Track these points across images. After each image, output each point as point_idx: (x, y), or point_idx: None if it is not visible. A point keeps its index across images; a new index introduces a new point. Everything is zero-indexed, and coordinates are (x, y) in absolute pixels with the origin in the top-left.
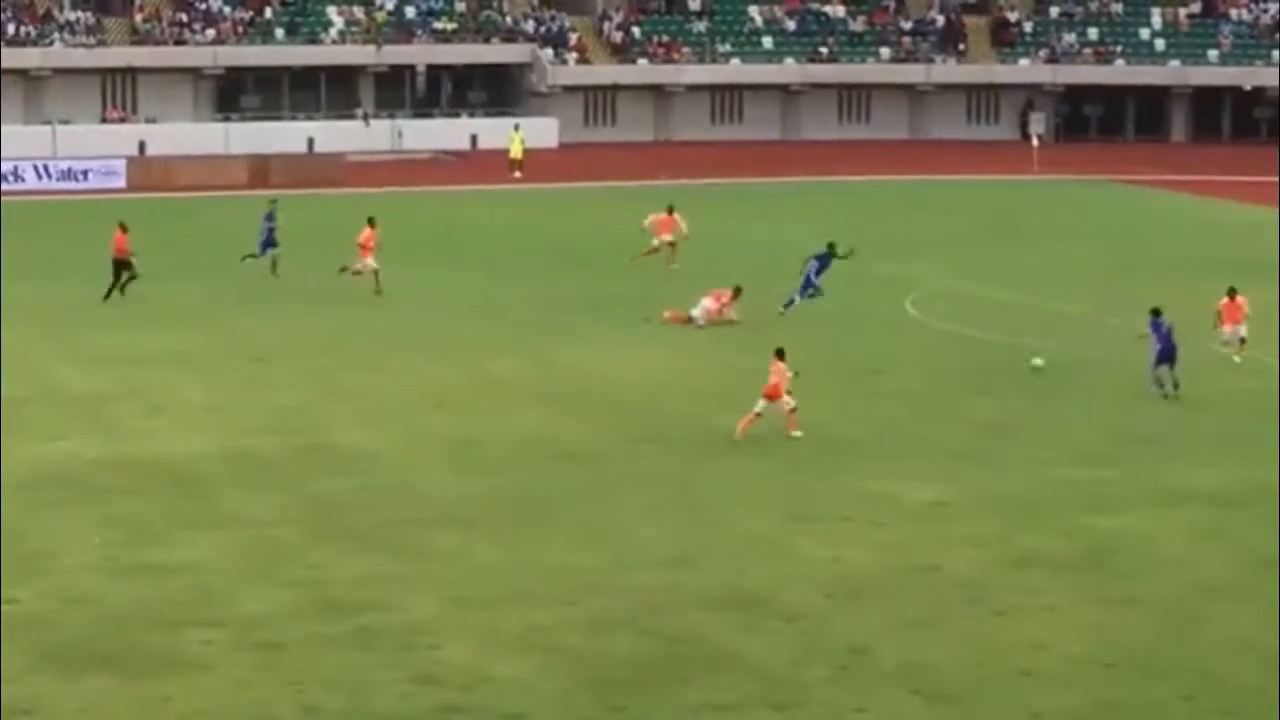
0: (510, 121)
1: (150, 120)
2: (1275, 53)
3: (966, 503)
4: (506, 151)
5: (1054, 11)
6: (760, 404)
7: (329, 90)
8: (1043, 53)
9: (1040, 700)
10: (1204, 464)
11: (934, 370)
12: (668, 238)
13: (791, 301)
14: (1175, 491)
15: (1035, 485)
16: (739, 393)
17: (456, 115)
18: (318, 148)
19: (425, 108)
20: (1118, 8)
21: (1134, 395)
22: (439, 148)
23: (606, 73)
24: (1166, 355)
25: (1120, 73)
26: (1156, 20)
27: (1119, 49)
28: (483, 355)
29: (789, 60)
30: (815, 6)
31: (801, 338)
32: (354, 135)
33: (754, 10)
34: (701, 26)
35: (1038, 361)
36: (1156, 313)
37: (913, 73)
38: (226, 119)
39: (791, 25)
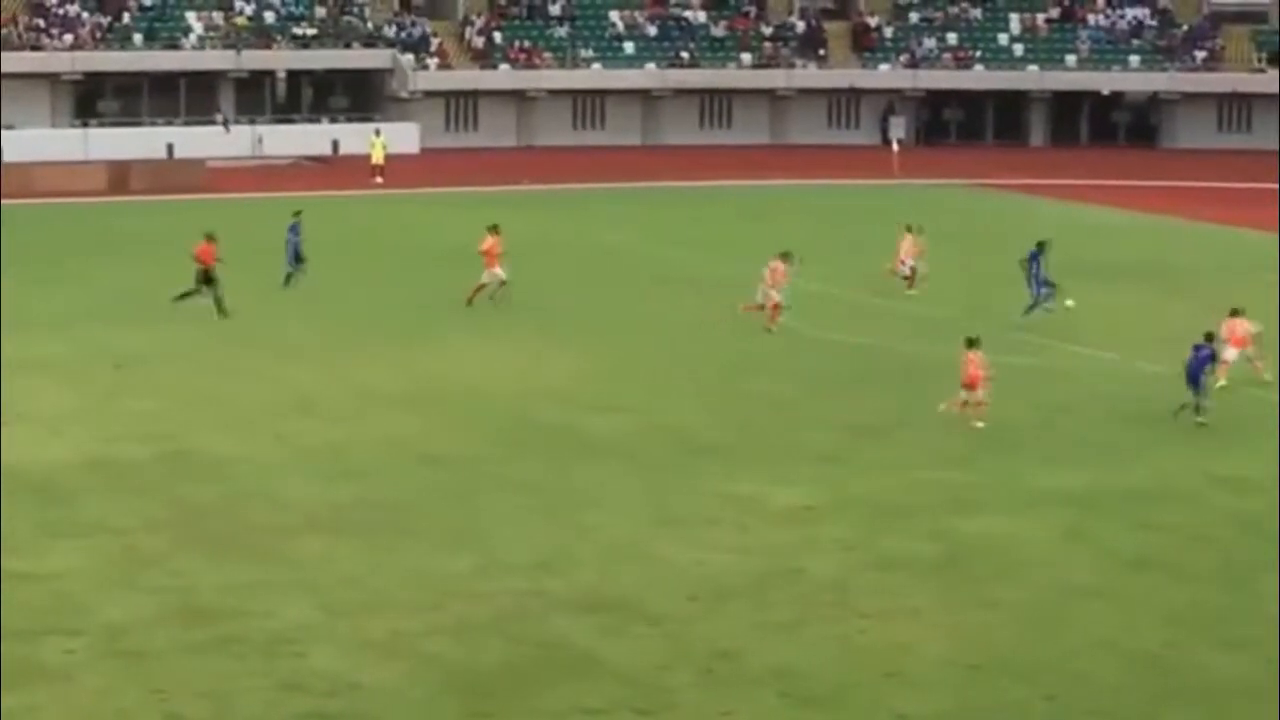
0: (371, 127)
1: (8, 127)
2: (1132, 57)
3: (832, 505)
4: (368, 157)
5: (914, 17)
6: (963, 394)
7: (189, 96)
8: (903, 58)
9: (905, 702)
10: (1067, 466)
11: (799, 374)
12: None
13: (1034, 305)
14: (1038, 493)
15: (900, 488)
16: (604, 396)
17: (317, 121)
18: (177, 154)
19: (286, 113)
20: (977, 13)
21: (998, 398)
22: (300, 153)
23: (468, 78)
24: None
25: (979, 78)
26: (1015, 26)
27: (978, 54)
28: (346, 360)
29: (650, 65)
30: (676, 12)
31: (665, 341)
32: (214, 141)
33: (615, 16)
34: (563, 32)
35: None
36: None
37: (774, 78)
38: (85, 125)
39: (653, 31)
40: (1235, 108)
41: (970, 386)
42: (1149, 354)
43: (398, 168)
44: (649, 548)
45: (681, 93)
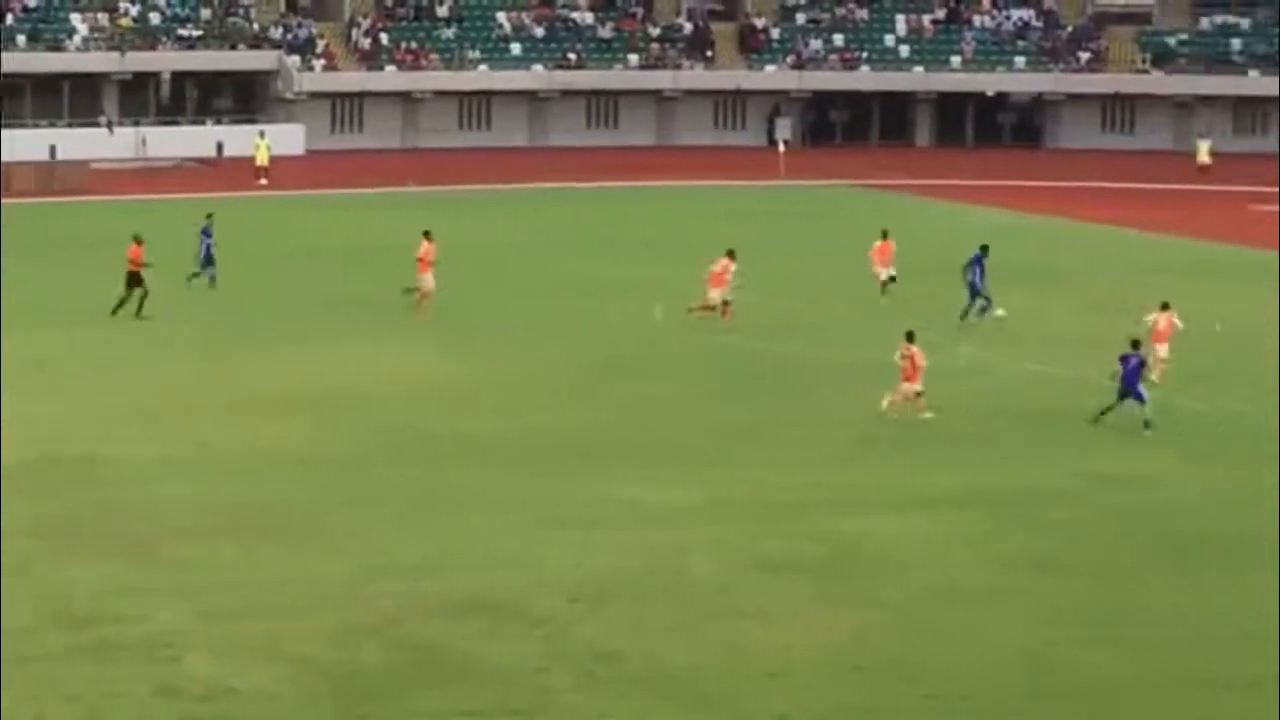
0: (256, 129)
1: None
2: (1017, 59)
3: (714, 506)
4: (252, 159)
5: (800, 19)
6: (904, 387)
7: (72, 98)
8: (789, 59)
9: (787, 703)
10: (949, 467)
11: (682, 375)
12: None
13: (984, 309)
14: (920, 494)
15: (783, 489)
16: (488, 398)
17: (202, 123)
18: (60, 155)
19: (170, 115)
20: (863, 14)
21: (881, 398)
22: (184, 155)
23: (354, 79)
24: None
25: (865, 79)
26: (901, 27)
27: (864, 55)
28: (228, 362)
29: (537, 67)
30: (563, 13)
31: (550, 343)
32: (98, 143)
33: (502, 17)
34: (450, 33)
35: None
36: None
37: (660, 79)
38: None
39: (540, 32)
40: (1119, 108)
41: (910, 379)
42: (1033, 354)
43: (282, 169)
44: (531, 550)
45: (568, 94)
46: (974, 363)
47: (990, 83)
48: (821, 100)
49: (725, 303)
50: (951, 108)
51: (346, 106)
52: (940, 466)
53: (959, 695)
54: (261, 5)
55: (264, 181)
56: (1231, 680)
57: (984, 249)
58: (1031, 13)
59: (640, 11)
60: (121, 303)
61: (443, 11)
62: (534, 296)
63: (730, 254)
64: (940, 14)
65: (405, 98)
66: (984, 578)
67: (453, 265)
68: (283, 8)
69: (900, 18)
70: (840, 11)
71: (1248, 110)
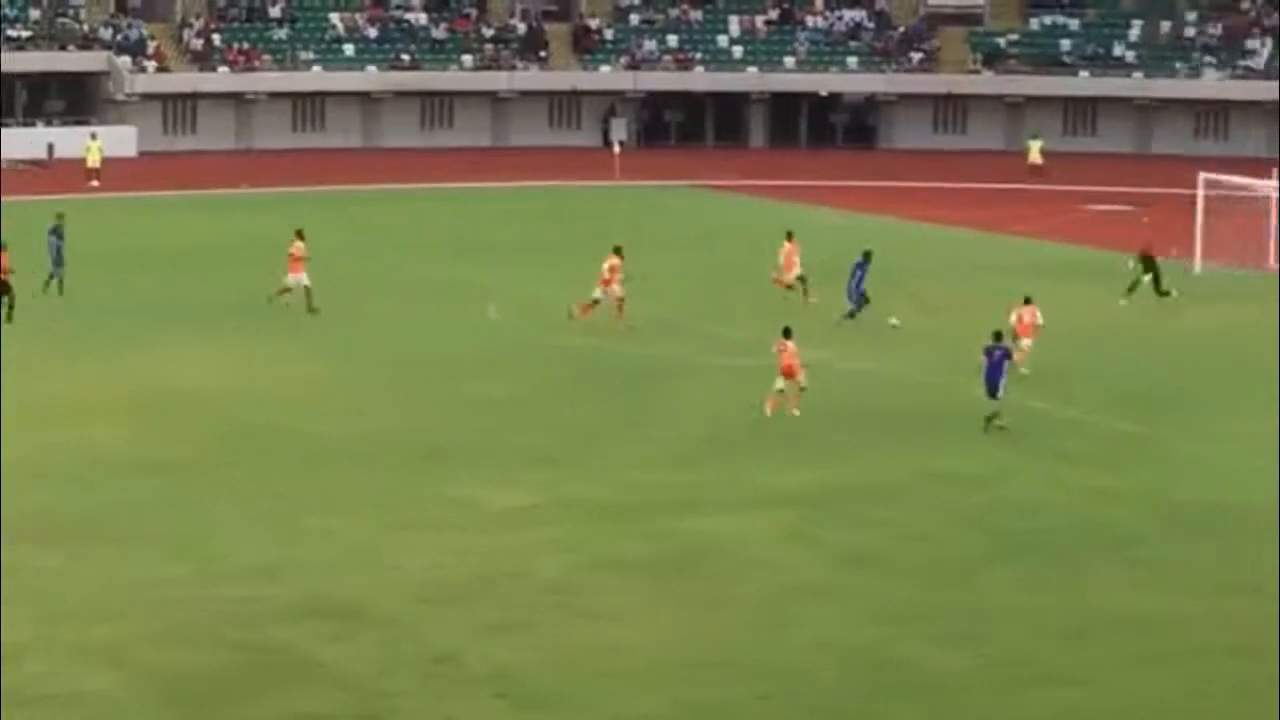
0: (87, 130)
1: None
2: (850, 59)
3: (555, 507)
4: (84, 160)
5: (634, 19)
6: (780, 383)
7: None
8: (623, 60)
9: (624, 702)
10: (790, 466)
11: (521, 376)
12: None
13: (852, 314)
14: (762, 494)
15: (624, 489)
16: (329, 400)
17: (32, 124)
18: None
19: None
20: (697, 15)
21: (723, 399)
22: (14, 157)
23: (186, 81)
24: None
25: (700, 79)
26: (734, 28)
27: (698, 56)
28: (64, 367)
29: (371, 68)
30: (397, 14)
31: (389, 345)
32: None
33: (335, 18)
34: (282, 34)
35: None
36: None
37: (495, 80)
38: None
39: (373, 33)
40: (951, 109)
41: (788, 375)
42: (865, 353)
43: (114, 171)
44: (372, 552)
45: (402, 95)
46: (809, 362)
47: (823, 83)
48: (656, 101)
49: (598, 303)
50: (785, 108)
51: (179, 108)
52: (781, 466)
53: (795, 694)
54: (91, 6)
55: (96, 183)
56: (1064, 675)
57: (867, 255)
58: (864, 13)
59: (474, 12)
60: (9, 310)
61: (275, 12)
62: (373, 298)
63: (617, 251)
64: (773, 15)
65: (238, 99)
66: (822, 576)
67: (285, 267)
68: (112, 9)
69: (734, 19)
70: (674, 12)
71: (1078, 110)
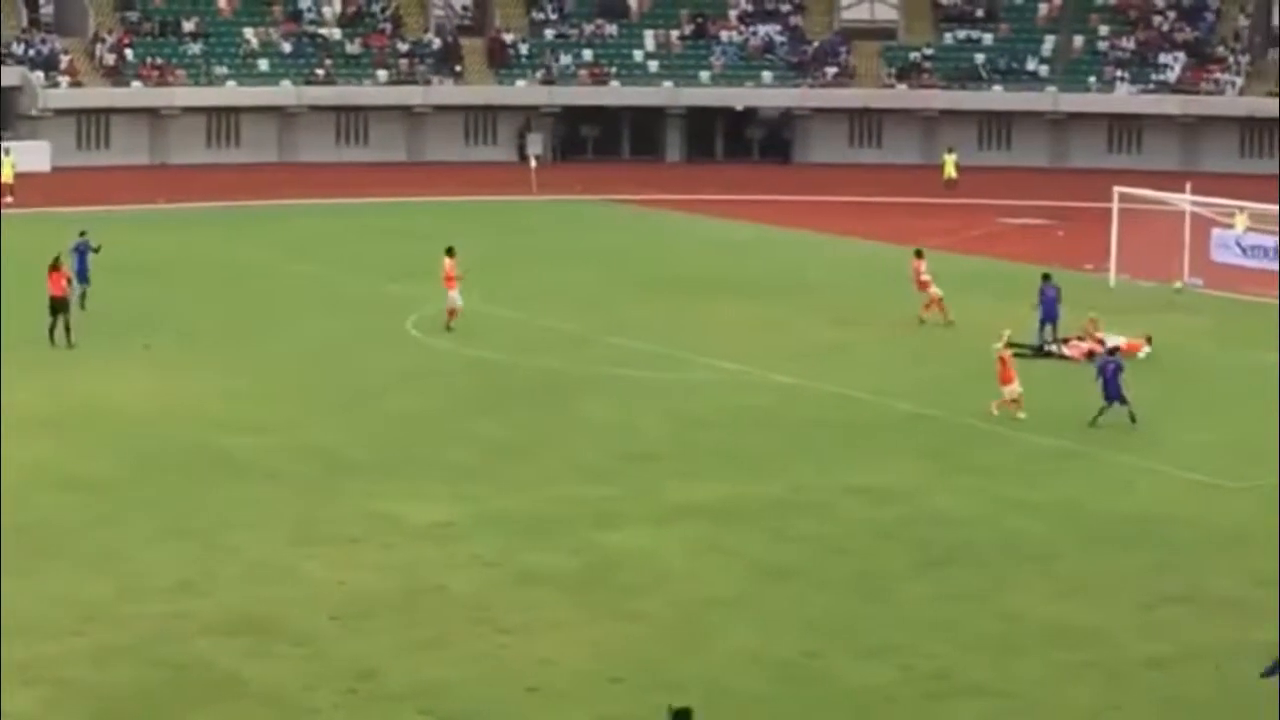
0: (0, 146)
1: None
2: (765, 74)
3: (473, 521)
4: None
5: (550, 34)
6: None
7: None
8: (539, 74)
9: (546, 716)
10: (705, 479)
11: (438, 391)
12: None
13: None
14: (678, 506)
15: (541, 503)
16: (246, 416)
17: None
18: None
19: None
20: (612, 30)
21: (639, 412)
22: None
23: (99, 95)
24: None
25: (615, 94)
26: (650, 42)
27: (614, 70)
28: None
29: (285, 83)
30: (312, 29)
31: (307, 359)
32: None
33: (250, 33)
34: (197, 49)
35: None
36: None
37: (410, 94)
38: None
39: (288, 48)
40: (866, 123)
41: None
42: (782, 366)
43: (28, 186)
44: (292, 567)
45: (317, 109)
46: (725, 376)
47: (738, 97)
48: (572, 116)
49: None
50: (701, 123)
51: (92, 123)
52: (697, 479)
53: (719, 706)
54: (2, 20)
55: (9, 199)
56: (985, 687)
57: None
58: (778, 28)
59: (388, 27)
60: None
61: (189, 27)
62: (287, 313)
63: (449, 251)
64: (688, 30)
65: (152, 114)
66: (742, 589)
67: (205, 282)
68: (24, 23)
69: (649, 33)
70: (589, 27)
71: (992, 124)
